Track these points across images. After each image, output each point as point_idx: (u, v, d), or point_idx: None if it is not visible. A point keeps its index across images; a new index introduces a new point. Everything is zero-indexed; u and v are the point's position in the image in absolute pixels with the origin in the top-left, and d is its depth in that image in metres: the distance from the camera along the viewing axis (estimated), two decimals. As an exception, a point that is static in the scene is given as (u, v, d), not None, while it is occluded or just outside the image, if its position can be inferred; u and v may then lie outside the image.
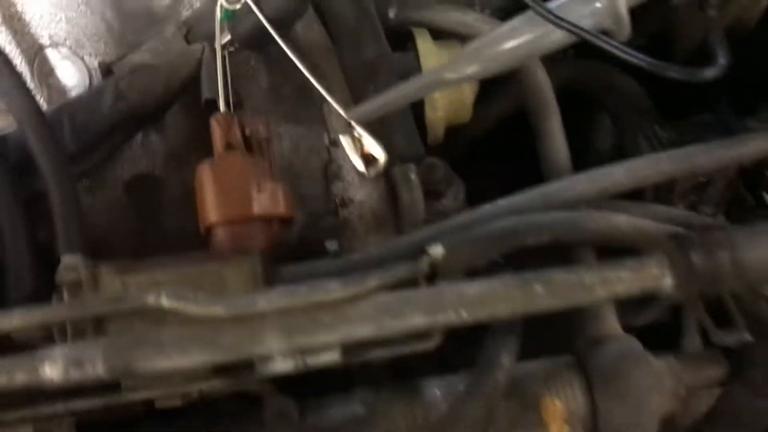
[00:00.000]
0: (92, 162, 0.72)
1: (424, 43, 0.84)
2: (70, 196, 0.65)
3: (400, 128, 0.71)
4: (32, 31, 0.71)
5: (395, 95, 0.64)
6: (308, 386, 0.64)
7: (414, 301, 0.57)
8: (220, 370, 0.56)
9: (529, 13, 0.62)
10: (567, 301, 0.59)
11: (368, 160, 0.65)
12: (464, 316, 0.57)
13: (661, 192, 0.81)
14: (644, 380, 0.66)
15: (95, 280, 0.60)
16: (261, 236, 0.64)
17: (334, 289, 0.56)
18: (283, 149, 0.76)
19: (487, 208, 0.68)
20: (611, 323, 0.72)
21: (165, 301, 0.55)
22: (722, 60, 0.67)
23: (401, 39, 0.85)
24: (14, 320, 0.56)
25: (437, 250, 0.61)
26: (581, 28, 0.58)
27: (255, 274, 0.61)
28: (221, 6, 0.69)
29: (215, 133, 0.66)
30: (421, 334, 0.58)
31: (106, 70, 0.72)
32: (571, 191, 0.70)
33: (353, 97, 0.73)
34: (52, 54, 0.72)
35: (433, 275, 0.61)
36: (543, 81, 0.79)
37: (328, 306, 0.56)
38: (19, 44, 0.71)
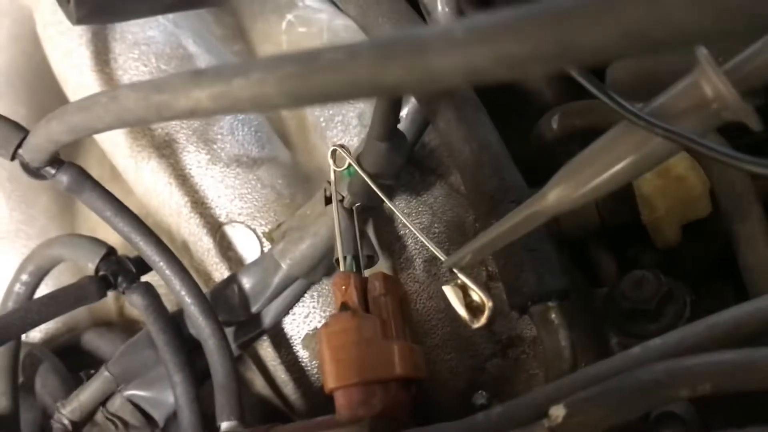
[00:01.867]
0: (265, 325, 0.77)
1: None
2: (230, 369, 0.70)
3: (531, 261, 0.62)
4: (212, 212, 0.80)
5: (491, 235, 0.56)
6: None
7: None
8: None
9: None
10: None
11: (475, 308, 0.58)
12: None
13: None
14: None
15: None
16: (376, 400, 0.61)
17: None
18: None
19: (634, 351, 0.56)
20: None
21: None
22: None
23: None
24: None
25: (557, 412, 0.52)
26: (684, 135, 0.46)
27: (362, 445, 0.58)
28: (333, 169, 0.69)
29: (335, 294, 0.66)
30: None
31: (269, 239, 0.77)
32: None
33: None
34: (229, 230, 0.79)
35: (551, 444, 0.52)
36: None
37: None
38: (203, 224, 0.80)
